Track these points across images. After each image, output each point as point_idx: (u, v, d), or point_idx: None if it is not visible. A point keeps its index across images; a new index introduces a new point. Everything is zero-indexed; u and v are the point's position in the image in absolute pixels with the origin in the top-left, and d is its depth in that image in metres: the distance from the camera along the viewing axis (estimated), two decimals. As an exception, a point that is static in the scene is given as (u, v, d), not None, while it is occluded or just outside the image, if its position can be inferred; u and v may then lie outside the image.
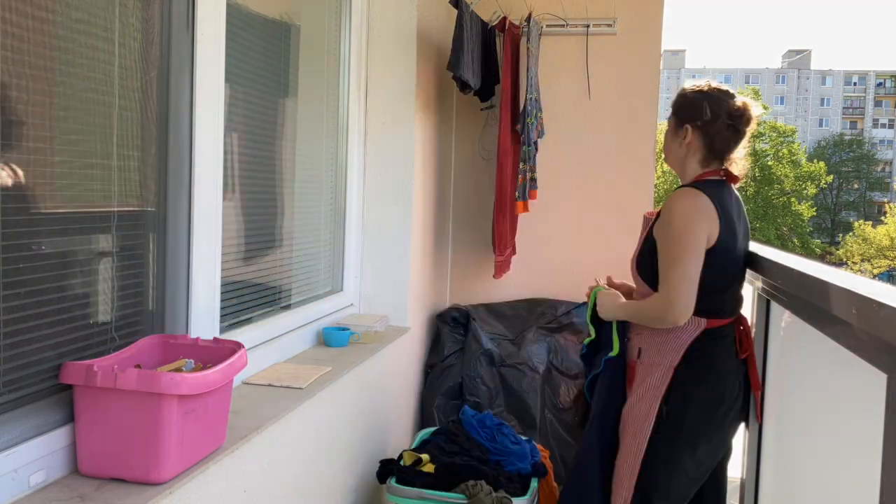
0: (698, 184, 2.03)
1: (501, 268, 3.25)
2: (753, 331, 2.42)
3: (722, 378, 2.03)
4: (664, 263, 1.98)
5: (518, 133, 3.15)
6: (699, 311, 1.98)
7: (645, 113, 3.38)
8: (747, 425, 2.15)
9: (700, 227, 1.94)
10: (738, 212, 2.07)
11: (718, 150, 2.05)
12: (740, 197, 2.12)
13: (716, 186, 2.03)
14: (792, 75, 59.19)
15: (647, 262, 2.06)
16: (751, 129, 2.08)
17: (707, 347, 2.01)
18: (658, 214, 2.06)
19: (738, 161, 2.10)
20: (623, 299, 2.16)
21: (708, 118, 2.02)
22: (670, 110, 2.12)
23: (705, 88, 2.07)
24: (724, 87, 2.09)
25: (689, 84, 2.12)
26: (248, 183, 2.11)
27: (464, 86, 2.84)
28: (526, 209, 3.21)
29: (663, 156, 2.18)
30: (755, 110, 2.08)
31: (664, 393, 2.00)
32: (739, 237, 2.04)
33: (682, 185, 2.08)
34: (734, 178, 2.07)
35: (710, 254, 1.95)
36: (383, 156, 2.82)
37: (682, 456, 2.02)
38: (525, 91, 3.18)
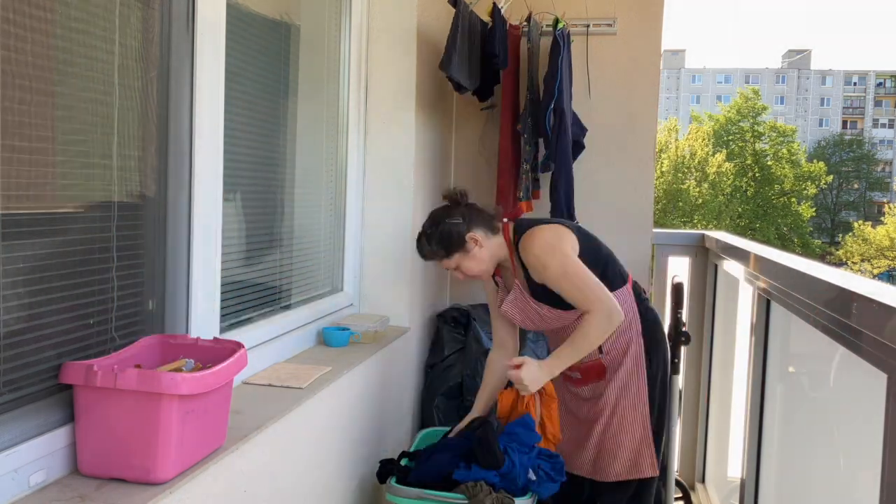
0: (525, 227, 2.25)
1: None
2: (753, 332, 2.43)
3: (658, 321, 2.35)
4: (570, 289, 2.15)
5: (519, 133, 3.14)
6: (620, 283, 2.26)
7: (645, 113, 3.37)
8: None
9: (569, 246, 2.18)
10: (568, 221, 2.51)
11: (489, 218, 2.27)
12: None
13: (526, 220, 2.31)
14: (792, 75, 59.18)
15: (543, 292, 2.22)
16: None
17: (643, 304, 2.32)
18: (523, 270, 2.25)
19: (495, 212, 2.37)
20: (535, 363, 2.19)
21: (461, 221, 2.22)
22: (439, 256, 2.25)
23: (433, 222, 2.25)
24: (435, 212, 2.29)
25: (423, 236, 2.25)
26: (248, 183, 2.11)
27: (458, 86, 2.84)
28: (530, 208, 3.20)
29: (472, 274, 2.27)
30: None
31: (645, 358, 2.27)
32: (580, 225, 2.38)
33: (519, 236, 2.23)
34: (519, 213, 2.62)
35: (584, 249, 2.21)
36: (383, 156, 2.82)
37: (664, 400, 2.34)
38: (525, 91, 3.18)
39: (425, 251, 2.26)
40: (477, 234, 2.22)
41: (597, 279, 2.15)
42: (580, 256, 2.18)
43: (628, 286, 2.29)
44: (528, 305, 2.28)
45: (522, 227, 2.25)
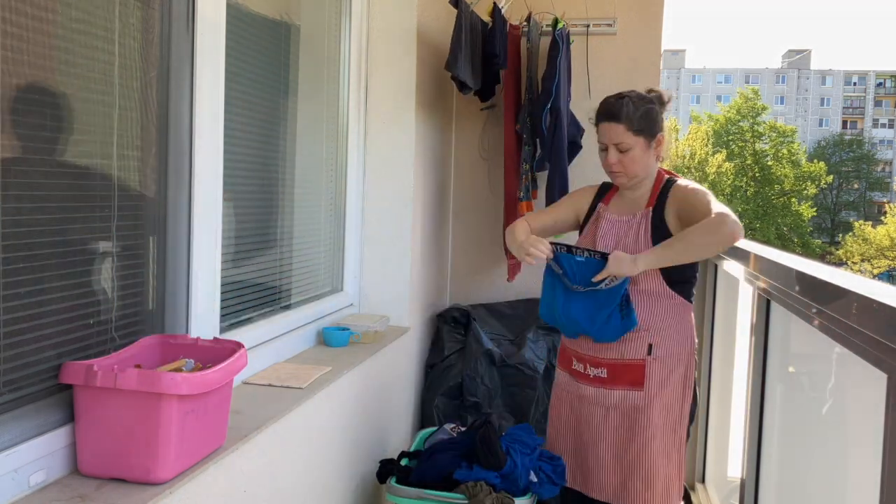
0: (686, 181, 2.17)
1: (514, 270, 3.24)
2: (753, 332, 2.43)
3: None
4: (704, 206, 1.97)
5: (518, 133, 3.15)
6: (692, 299, 2.16)
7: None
8: None
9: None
10: None
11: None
12: None
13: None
14: (792, 75, 59.18)
15: (660, 235, 2.07)
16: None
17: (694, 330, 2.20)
18: (655, 203, 2.12)
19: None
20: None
21: (662, 122, 2.15)
22: (631, 124, 2.06)
23: (645, 95, 2.12)
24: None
25: (612, 96, 2.11)
26: (248, 182, 2.11)
27: (462, 86, 2.85)
28: (530, 209, 3.20)
29: (628, 170, 2.11)
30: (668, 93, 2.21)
31: (694, 383, 2.13)
32: None
33: (673, 181, 2.16)
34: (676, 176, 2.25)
35: None
36: (383, 156, 2.82)
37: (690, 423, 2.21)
38: (525, 92, 3.18)
39: (624, 111, 2.05)
40: (663, 139, 2.13)
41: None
42: None
43: (691, 309, 2.18)
44: (634, 235, 2.09)
45: (674, 178, 2.18)
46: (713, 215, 1.91)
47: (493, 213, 3.42)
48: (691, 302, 2.16)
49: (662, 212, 2.09)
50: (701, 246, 1.95)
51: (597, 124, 2.13)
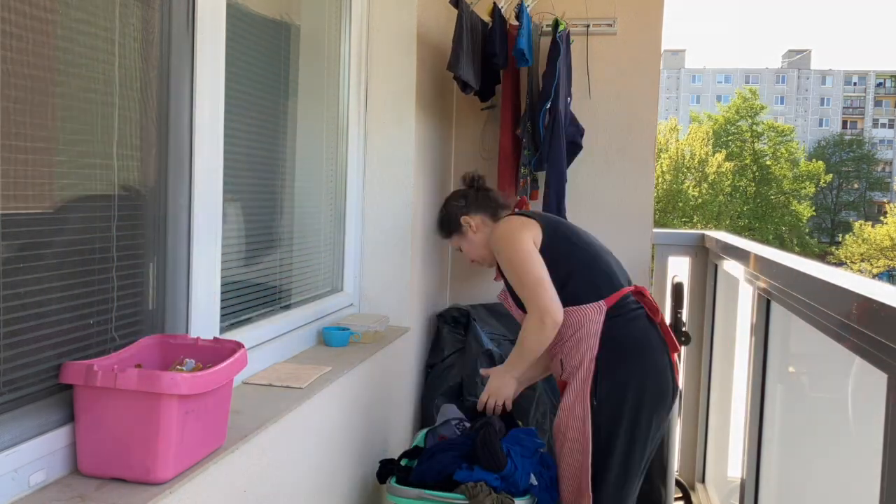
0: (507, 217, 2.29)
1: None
2: (753, 332, 2.43)
3: (641, 346, 2.07)
4: (515, 284, 2.14)
5: (519, 137, 3.15)
6: (592, 297, 2.07)
7: (645, 113, 3.37)
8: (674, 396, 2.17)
9: (525, 236, 2.12)
10: (560, 220, 2.32)
11: (494, 206, 2.36)
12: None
13: (523, 214, 2.26)
14: (792, 75, 59.17)
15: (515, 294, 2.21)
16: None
17: (617, 325, 2.06)
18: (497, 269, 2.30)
19: (508, 201, 2.48)
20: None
21: (464, 204, 2.36)
22: (442, 235, 2.47)
23: (443, 203, 2.45)
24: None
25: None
26: (249, 182, 2.11)
27: (464, 86, 2.85)
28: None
29: (474, 259, 2.42)
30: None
31: (591, 385, 2.04)
32: (570, 224, 2.30)
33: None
34: (525, 205, 2.60)
35: (551, 245, 2.12)
36: (383, 156, 2.82)
37: (630, 440, 2.04)
38: (526, 94, 3.18)
39: (438, 229, 2.46)
40: (474, 218, 2.32)
41: (543, 278, 2.05)
42: (542, 252, 2.10)
43: (603, 304, 2.06)
44: (507, 298, 2.26)
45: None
46: (529, 318, 2.08)
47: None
48: (581, 293, 2.08)
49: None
50: (529, 352, 2.13)
51: None
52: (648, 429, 2.05)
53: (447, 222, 2.39)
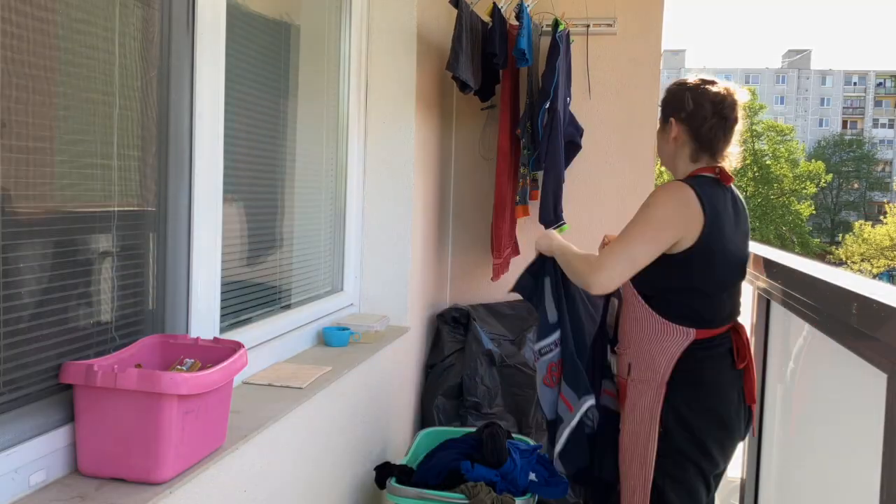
0: (690, 179, 1.91)
1: (499, 270, 3.25)
2: (752, 332, 2.42)
3: (716, 391, 1.90)
4: (622, 234, 1.90)
5: (518, 137, 3.15)
6: (688, 321, 1.88)
7: (645, 113, 3.37)
8: (743, 438, 2.02)
9: (673, 220, 1.84)
10: (736, 214, 1.95)
11: (707, 141, 1.94)
12: (741, 197, 2.02)
13: (708, 185, 1.89)
14: (792, 75, 59.17)
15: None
16: (739, 115, 1.99)
17: (698, 359, 1.88)
18: None
19: (733, 155, 2.00)
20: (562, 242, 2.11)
21: (691, 108, 1.94)
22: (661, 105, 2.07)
23: (688, 82, 2.01)
24: (709, 77, 2.02)
25: (676, 80, 2.07)
26: (249, 182, 2.11)
27: (463, 86, 2.85)
28: (526, 213, 3.20)
29: (659, 158, 2.16)
30: (740, 95, 2.01)
31: (661, 412, 1.89)
32: (733, 240, 1.91)
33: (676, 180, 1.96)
34: (728, 178, 1.94)
35: (692, 255, 1.83)
36: (383, 156, 2.82)
37: (689, 473, 1.91)
38: (525, 94, 3.17)
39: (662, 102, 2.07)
40: (678, 130, 1.96)
41: (638, 255, 1.83)
42: (682, 253, 1.84)
43: (693, 333, 1.88)
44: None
45: (691, 179, 1.93)
46: (594, 263, 1.89)
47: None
48: (675, 322, 1.89)
49: None
50: (568, 271, 2.03)
51: None
52: (713, 463, 1.93)
53: (665, 102, 2.02)
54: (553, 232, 2.24)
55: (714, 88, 1.97)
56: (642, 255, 1.84)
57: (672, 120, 1.98)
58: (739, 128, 2.01)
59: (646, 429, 1.91)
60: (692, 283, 1.88)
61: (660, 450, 1.89)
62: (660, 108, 2.06)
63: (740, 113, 2.00)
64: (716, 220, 1.85)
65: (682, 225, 1.83)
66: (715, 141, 1.95)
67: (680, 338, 1.88)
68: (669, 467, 1.90)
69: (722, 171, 1.95)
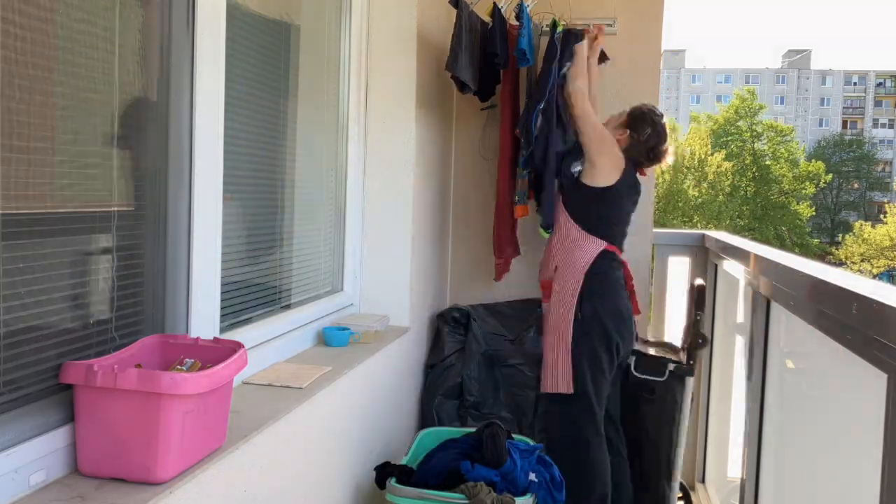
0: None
1: (501, 270, 3.25)
2: (753, 332, 2.43)
3: (617, 292, 2.64)
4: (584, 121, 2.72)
5: (518, 136, 3.14)
6: (601, 235, 2.63)
7: (645, 113, 3.36)
8: (634, 340, 2.77)
9: (611, 140, 2.71)
10: (637, 186, 2.79)
11: (640, 148, 2.75)
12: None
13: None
14: (792, 75, 59.16)
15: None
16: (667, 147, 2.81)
17: (605, 266, 2.62)
18: None
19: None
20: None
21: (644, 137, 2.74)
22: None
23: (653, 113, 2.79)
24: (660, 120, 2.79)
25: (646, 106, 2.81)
26: (249, 182, 2.11)
27: (463, 86, 2.84)
28: (525, 213, 3.20)
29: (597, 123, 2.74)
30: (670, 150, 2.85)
31: (577, 300, 2.58)
32: (632, 195, 2.75)
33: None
34: (642, 172, 2.81)
35: (614, 190, 2.65)
36: (383, 156, 2.82)
37: (600, 354, 2.59)
38: (525, 93, 3.17)
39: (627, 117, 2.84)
40: (620, 132, 2.77)
41: (595, 122, 2.72)
42: (610, 188, 2.65)
43: (603, 243, 2.62)
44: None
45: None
46: (578, 88, 2.75)
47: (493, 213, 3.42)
48: (595, 235, 2.63)
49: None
50: (575, 77, 2.78)
51: None
52: (614, 350, 2.62)
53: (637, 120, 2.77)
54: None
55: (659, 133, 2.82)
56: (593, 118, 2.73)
57: (630, 133, 2.79)
58: None
59: (566, 310, 2.60)
60: (609, 212, 2.68)
61: (575, 330, 2.58)
62: (629, 119, 2.80)
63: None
64: (629, 176, 2.71)
65: (611, 148, 2.70)
66: (644, 146, 2.84)
67: (593, 247, 2.63)
68: (584, 344, 2.59)
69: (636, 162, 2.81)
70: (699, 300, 2.78)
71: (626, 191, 2.70)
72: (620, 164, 2.67)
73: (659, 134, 2.73)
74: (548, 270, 2.72)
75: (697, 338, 2.68)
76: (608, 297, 2.62)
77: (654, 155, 2.75)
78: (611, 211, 2.68)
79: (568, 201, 2.71)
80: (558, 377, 2.60)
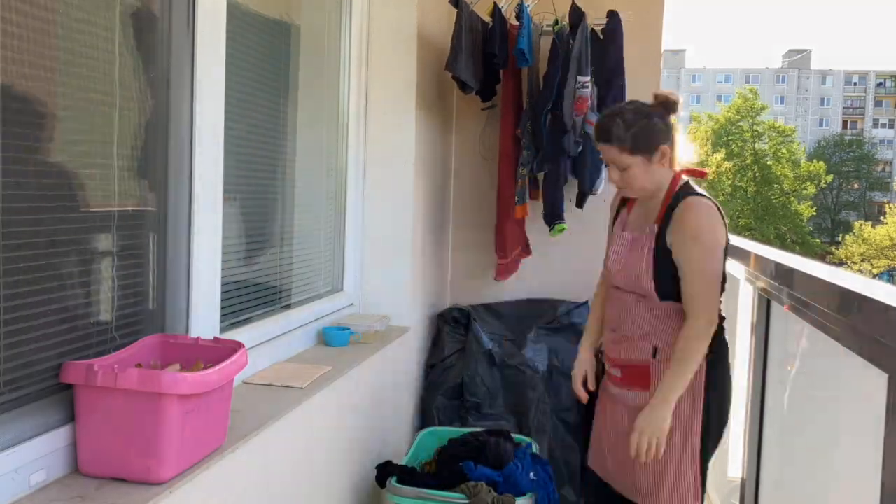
0: (696, 192, 1.99)
1: (503, 271, 3.23)
2: (753, 332, 2.43)
3: (728, 367, 2.03)
4: (698, 283, 1.92)
5: (519, 136, 3.14)
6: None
7: (645, 113, 3.37)
8: None
9: (721, 239, 1.95)
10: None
11: (674, 147, 2.03)
12: None
13: (702, 191, 2.02)
14: (792, 75, 59.15)
15: (663, 258, 1.97)
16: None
17: (720, 340, 1.98)
18: (662, 221, 1.98)
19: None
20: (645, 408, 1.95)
21: (667, 129, 2.00)
22: (623, 146, 1.96)
23: (641, 107, 2.01)
24: (632, 100, 2.08)
25: (607, 113, 2.03)
26: (249, 182, 2.11)
27: (464, 86, 2.84)
28: (525, 213, 3.19)
29: (631, 186, 2.02)
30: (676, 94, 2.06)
31: (704, 387, 1.94)
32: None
33: (685, 194, 1.99)
34: (702, 174, 2.09)
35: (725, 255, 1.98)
36: (383, 156, 2.82)
37: (716, 444, 2.01)
38: (527, 95, 3.17)
39: (614, 133, 1.95)
40: (668, 150, 1.99)
41: (719, 282, 1.94)
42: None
43: (722, 312, 2.02)
44: (640, 254, 2.01)
45: (688, 189, 2.00)
46: (696, 321, 1.90)
47: (494, 213, 3.42)
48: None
49: (666, 231, 1.97)
50: (693, 360, 1.92)
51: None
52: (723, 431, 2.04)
53: (643, 138, 1.95)
54: (649, 415, 1.93)
55: (655, 100, 2.03)
56: (717, 281, 1.94)
57: (663, 148, 1.98)
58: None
59: (689, 404, 1.94)
60: (721, 283, 1.98)
61: (703, 427, 1.94)
62: (632, 146, 1.96)
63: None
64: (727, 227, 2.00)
65: (725, 238, 1.97)
66: (677, 143, 2.05)
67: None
68: (709, 442, 1.96)
69: (690, 170, 2.06)
70: None
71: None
72: (720, 220, 1.98)
73: (671, 110, 2.04)
74: (636, 349, 2.03)
75: None
76: (725, 369, 2.02)
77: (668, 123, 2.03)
78: (723, 274, 1.99)
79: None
80: (685, 492, 1.96)
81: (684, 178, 2.04)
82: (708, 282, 1.92)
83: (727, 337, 2.03)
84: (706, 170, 2.12)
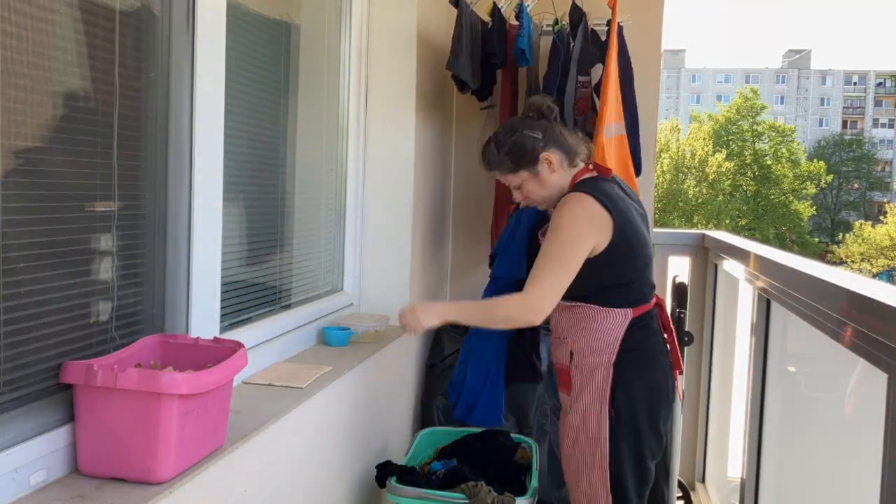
0: (580, 187, 1.96)
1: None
2: (753, 332, 2.43)
3: (656, 365, 2.00)
4: (541, 260, 1.91)
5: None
6: (623, 304, 1.95)
7: (645, 113, 3.37)
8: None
9: (585, 233, 1.89)
10: (631, 200, 2.03)
11: (568, 147, 2.01)
12: (624, 183, 2.08)
13: (598, 184, 1.97)
14: (792, 75, 59.16)
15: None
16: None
17: (637, 337, 1.96)
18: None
19: (583, 146, 2.06)
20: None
21: (541, 136, 1.99)
22: (504, 168, 2.02)
23: (513, 127, 2.03)
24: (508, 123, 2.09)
25: (487, 139, 2.07)
26: (249, 182, 2.11)
27: (462, 85, 2.84)
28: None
29: (533, 200, 2.06)
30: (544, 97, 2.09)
31: (610, 393, 1.94)
32: (639, 225, 1.99)
33: (572, 191, 1.97)
34: (607, 172, 2.04)
35: (612, 252, 1.91)
36: (383, 155, 2.82)
37: (643, 452, 1.97)
38: (525, 93, 3.17)
39: (491, 159, 2.01)
40: (553, 155, 1.97)
41: (565, 278, 1.88)
42: (605, 253, 1.90)
43: (630, 312, 1.96)
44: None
45: (580, 186, 1.97)
46: (520, 299, 1.91)
47: (493, 214, 3.42)
48: (617, 307, 1.95)
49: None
50: (487, 321, 2.06)
51: None
52: (659, 438, 2.01)
53: (519, 154, 1.97)
54: (424, 304, 2.10)
55: (527, 110, 2.06)
56: (567, 275, 1.89)
57: (544, 156, 1.98)
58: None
59: (597, 411, 1.95)
60: (618, 274, 1.95)
61: (611, 434, 1.94)
62: (513, 165, 2.00)
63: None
64: (621, 215, 1.92)
65: (595, 234, 1.90)
66: (571, 142, 2.03)
67: (619, 319, 1.95)
68: (623, 447, 1.95)
69: (597, 166, 2.05)
70: (681, 298, 2.78)
71: (628, 229, 1.94)
72: (595, 213, 1.92)
73: (544, 115, 2.03)
74: (559, 353, 2.06)
75: (682, 336, 2.67)
76: (643, 375, 1.99)
77: (568, 132, 2.05)
78: (623, 272, 1.97)
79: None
80: (597, 501, 2.00)
81: (587, 175, 2.01)
82: (550, 265, 1.89)
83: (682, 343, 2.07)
84: (610, 168, 2.11)
